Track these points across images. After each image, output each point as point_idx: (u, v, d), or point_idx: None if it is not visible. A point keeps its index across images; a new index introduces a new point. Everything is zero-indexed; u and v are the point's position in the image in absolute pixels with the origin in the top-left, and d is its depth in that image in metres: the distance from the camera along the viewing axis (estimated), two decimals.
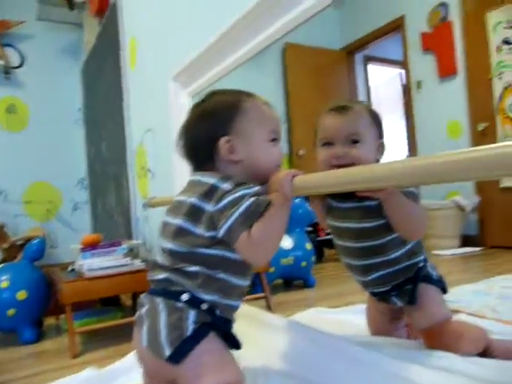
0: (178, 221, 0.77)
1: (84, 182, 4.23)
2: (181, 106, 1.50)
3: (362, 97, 4.91)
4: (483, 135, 3.51)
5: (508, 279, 1.74)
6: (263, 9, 1.15)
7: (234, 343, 0.79)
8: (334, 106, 0.99)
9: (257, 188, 0.76)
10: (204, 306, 0.75)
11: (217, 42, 1.36)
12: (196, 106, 0.87)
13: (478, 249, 3.41)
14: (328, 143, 0.95)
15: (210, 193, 0.75)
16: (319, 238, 3.23)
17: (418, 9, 3.94)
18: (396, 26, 4.20)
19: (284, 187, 0.77)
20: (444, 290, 1.00)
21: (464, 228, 3.54)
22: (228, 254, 0.76)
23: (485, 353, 0.98)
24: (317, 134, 1.01)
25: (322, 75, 4.60)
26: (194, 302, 0.75)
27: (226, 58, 1.39)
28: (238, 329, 1.22)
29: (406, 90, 4.25)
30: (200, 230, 0.75)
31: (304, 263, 2.36)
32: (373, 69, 5.24)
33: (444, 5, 3.72)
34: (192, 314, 0.73)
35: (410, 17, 4.04)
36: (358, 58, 4.95)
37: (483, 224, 3.53)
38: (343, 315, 1.33)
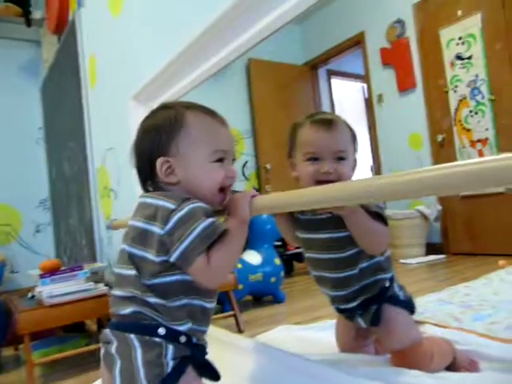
0: (127, 247, 0.74)
1: (46, 202, 4.09)
2: None
3: (326, 109, 5.00)
4: (442, 146, 3.63)
5: (469, 287, 1.79)
6: (225, 24, 1.14)
7: (212, 374, 0.76)
8: (317, 118, 0.96)
9: (204, 204, 0.72)
10: (182, 339, 0.72)
11: (176, 59, 1.34)
12: (142, 121, 0.83)
13: (442, 256, 3.50)
14: (314, 158, 0.93)
15: (155, 214, 0.71)
16: (288, 252, 3.24)
17: (376, 25, 4.07)
18: (357, 42, 4.33)
19: (242, 209, 0.76)
20: (412, 311, 0.98)
21: (428, 236, 3.63)
22: (187, 277, 0.72)
23: (450, 366, 0.99)
24: (295, 144, 0.98)
25: (287, 90, 4.66)
26: (172, 336, 0.71)
27: (186, 75, 1.38)
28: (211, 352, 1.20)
29: (369, 104, 4.37)
30: (151, 256, 0.70)
31: (273, 279, 2.35)
32: (336, 83, 5.36)
33: (400, 21, 3.86)
34: (171, 349, 0.70)
35: (370, 33, 4.17)
36: (322, 72, 5.06)
37: (446, 232, 3.63)
38: (312, 332, 1.33)
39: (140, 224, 0.72)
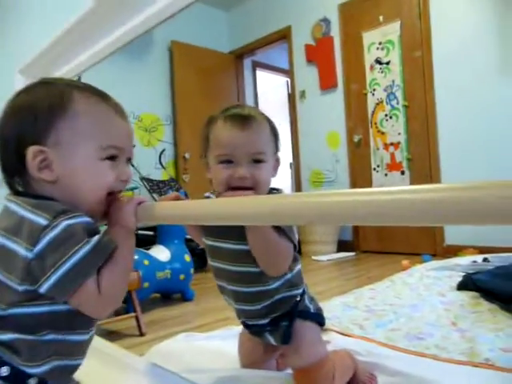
0: None
1: None
2: None
3: (249, 101, 4.95)
4: (358, 146, 3.74)
5: (373, 289, 1.83)
6: None
7: None
8: (231, 113, 0.83)
9: (84, 219, 0.59)
10: (32, 383, 0.58)
11: (74, 27, 1.16)
12: (12, 98, 0.65)
13: (352, 254, 3.63)
14: (227, 161, 0.80)
15: (19, 228, 0.56)
16: (200, 247, 3.13)
17: (303, 21, 4.08)
18: (283, 36, 4.31)
19: (127, 217, 0.64)
20: (321, 324, 0.93)
21: (340, 234, 3.74)
22: (57, 308, 0.58)
23: (350, 381, 0.97)
24: (208, 143, 0.85)
25: (210, 77, 4.52)
26: (17, 379, 0.57)
27: (86, 49, 1.20)
28: (92, 370, 1.06)
29: (291, 99, 4.38)
30: (11, 282, 0.56)
31: (182, 276, 2.23)
32: (261, 75, 5.33)
33: (326, 20, 3.89)
34: None
35: (296, 28, 4.17)
36: (247, 63, 4.98)
37: (357, 230, 3.77)
38: (214, 342, 1.24)
39: None
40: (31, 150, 0.59)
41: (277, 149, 0.86)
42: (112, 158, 0.64)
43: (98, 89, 0.67)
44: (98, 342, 1.14)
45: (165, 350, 1.22)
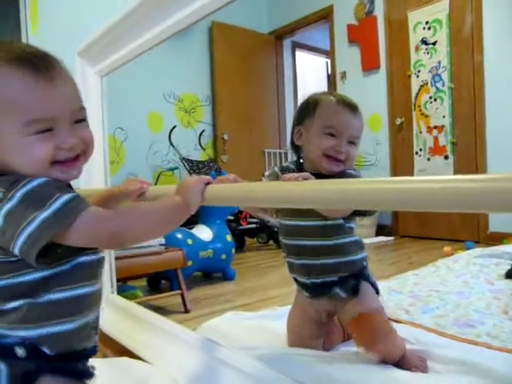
0: None
1: None
2: (87, 88, 1.31)
3: (288, 82, 4.90)
4: (400, 130, 3.66)
5: (417, 275, 1.81)
6: None
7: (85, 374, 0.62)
8: (346, 100, 1.00)
9: (41, 179, 0.55)
10: (20, 352, 0.56)
11: (131, 13, 1.18)
12: None
13: (391, 238, 3.58)
14: (332, 134, 0.96)
15: None
16: (240, 227, 3.18)
17: (345, 0, 3.96)
18: (324, 16, 4.21)
19: (194, 195, 0.66)
20: (377, 292, 1.04)
21: (379, 218, 3.69)
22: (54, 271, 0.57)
23: (398, 363, 0.99)
24: (314, 113, 1.00)
25: (249, 58, 4.50)
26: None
27: (140, 35, 1.22)
28: (147, 341, 1.12)
29: (331, 80, 4.30)
30: None
31: (224, 256, 2.28)
32: (300, 55, 5.25)
33: None
34: (3, 371, 0.55)
35: (338, 7, 4.06)
36: (286, 43, 4.91)
37: (396, 214, 3.71)
38: (262, 321, 1.27)
39: None
40: None
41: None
42: (42, 131, 0.57)
43: (13, 49, 0.58)
44: (151, 317, 1.20)
45: (214, 327, 1.26)
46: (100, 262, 0.64)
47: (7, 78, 0.55)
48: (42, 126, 0.56)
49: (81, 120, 0.61)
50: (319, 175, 0.94)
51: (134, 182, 0.80)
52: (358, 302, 0.99)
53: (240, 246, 3.12)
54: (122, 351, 1.09)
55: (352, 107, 0.99)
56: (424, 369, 0.98)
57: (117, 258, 1.45)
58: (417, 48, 3.49)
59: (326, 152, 0.96)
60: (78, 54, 1.37)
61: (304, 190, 0.52)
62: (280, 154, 4.62)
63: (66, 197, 0.54)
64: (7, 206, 0.53)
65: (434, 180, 0.39)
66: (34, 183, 0.54)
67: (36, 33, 2.13)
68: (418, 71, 3.50)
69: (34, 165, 0.57)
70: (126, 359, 1.03)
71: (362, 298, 0.99)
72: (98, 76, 1.37)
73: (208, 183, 0.68)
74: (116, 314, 1.26)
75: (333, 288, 1.01)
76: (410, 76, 3.55)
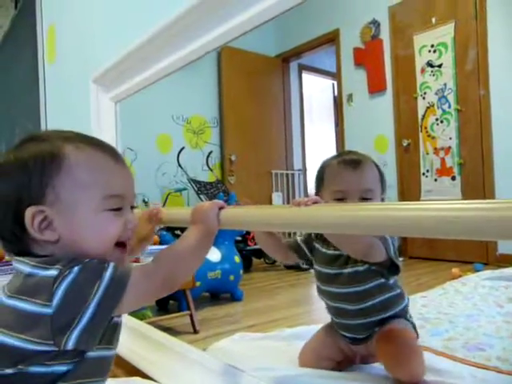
0: None
1: None
2: (102, 113, 1.36)
3: (295, 104, 4.97)
4: (407, 151, 3.68)
5: (426, 297, 1.81)
6: (199, 15, 1.04)
7: None
8: (345, 158, 1.00)
9: (96, 261, 0.56)
10: None
11: (145, 44, 1.23)
12: (4, 157, 0.61)
13: (400, 259, 3.56)
14: (341, 198, 0.96)
15: (29, 287, 0.53)
16: (248, 248, 3.19)
17: (351, 24, 4.05)
18: (330, 39, 4.29)
19: (212, 219, 0.69)
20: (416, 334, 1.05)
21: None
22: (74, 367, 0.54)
23: None
24: (322, 182, 1.02)
25: (257, 80, 4.58)
26: None
27: (155, 63, 1.26)
28: (158, 361, 1.13)
29: (338, 102, 4.36)
30: (21, 342, 0.52)
31: (232, 277, 2.29)
32: (307, 78, 5.33)
33: (375, 22, 3.85)
34: None
35: (344, 31, 4.14)
36: (293, 66, 5.00)
37: (405, 236, 3.69)
38: (270, 342, 1.28)
39: (10, 301, 0.54)
40: (29, 212, 0.56)
41: (383, 190, 1.02)
42: (115, 208, 0.61)
43: (91, 137, 0.65)
44: (162, 337, 1.21)
45: (223, 348, 1.27)
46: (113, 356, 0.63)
47: (94, 158, 0.61)
48: (116, 202, 0.61)
49: (133, 207, 0.66)
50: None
51: (143, 224, 0.78)
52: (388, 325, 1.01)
53: (247, 266, 3.12)
54: (133, 371, 1.10)
55: (353, 163, 0.98)
56: None
57: None
58: (422, 70, 3.55)
59: None
60: (92, 81, 1.42)
61: (315, 215, 0.54)
62: (287, 175, 4.65)
63: (110, 270, 0.55)
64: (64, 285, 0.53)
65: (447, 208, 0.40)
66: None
67: (53, 61, 2.21)
68: (424, 93, 3.54)
69: (105, 242, 0.59)
70: (137, 379, 1.04)
71: (396, 322, 1.01)
72: (112, 102, 1.42)
73: (221, 207, 0.71)
74: (127, 334, 1.27)
75: (373, 337, 1.02)
76: (416, 98, 3.59)
